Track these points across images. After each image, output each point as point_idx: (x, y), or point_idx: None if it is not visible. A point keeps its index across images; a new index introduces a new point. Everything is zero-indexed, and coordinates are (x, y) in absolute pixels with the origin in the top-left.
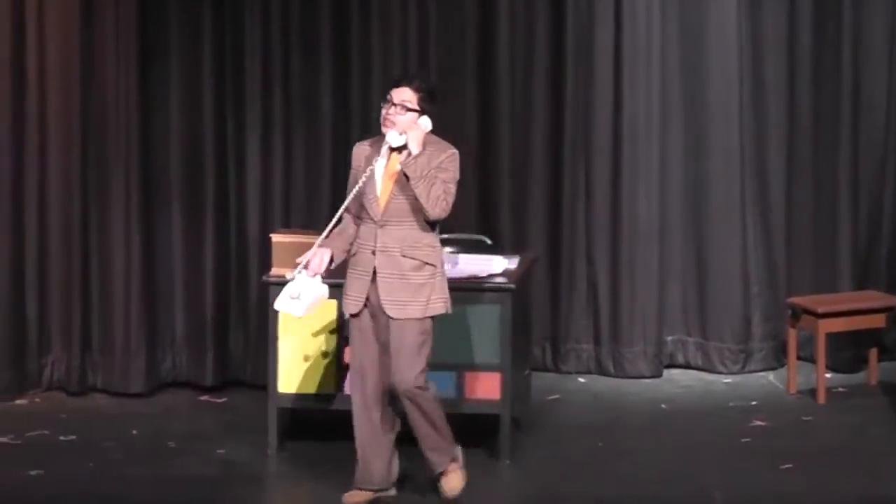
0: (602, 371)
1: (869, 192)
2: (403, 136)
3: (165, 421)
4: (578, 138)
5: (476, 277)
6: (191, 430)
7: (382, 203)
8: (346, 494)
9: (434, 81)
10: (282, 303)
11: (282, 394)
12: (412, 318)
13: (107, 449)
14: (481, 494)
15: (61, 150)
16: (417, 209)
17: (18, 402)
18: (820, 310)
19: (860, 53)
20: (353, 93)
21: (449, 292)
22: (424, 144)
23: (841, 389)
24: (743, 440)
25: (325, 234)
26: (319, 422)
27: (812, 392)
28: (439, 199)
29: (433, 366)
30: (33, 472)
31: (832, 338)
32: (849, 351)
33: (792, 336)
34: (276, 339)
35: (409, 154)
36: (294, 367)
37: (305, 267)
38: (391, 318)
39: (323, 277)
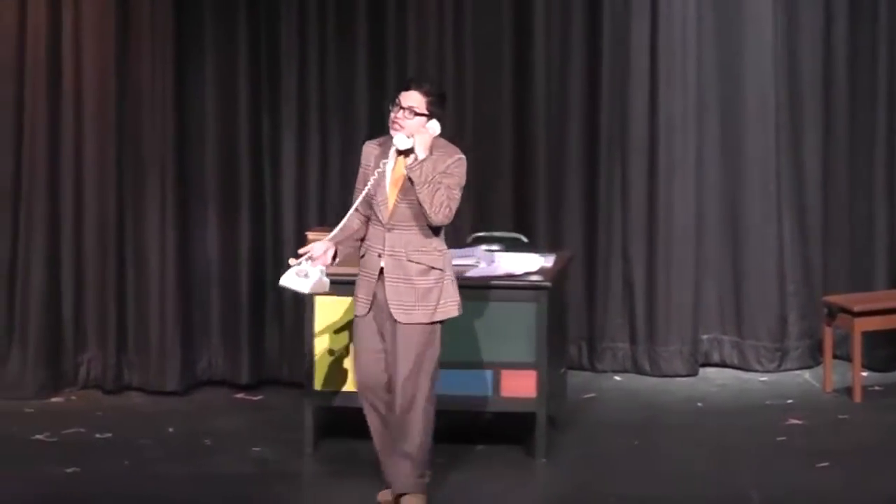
0: (638, 370)
1: None
2: (411, 140)
3: (201, 419)
4: (614, 137)
5: (512, 275)
6: (226, 429)
7: (390, 206)
8: (381, 493)
9: (443, 85)
10: (288, 279)
11: (318, 392)
12: (419, 322)
13: (142, 447)
14: (517, 493)
15: (97, 150)
16: (424, 213)
17: (54, 399)
18: (856, 308)
19: None
20: (389, 91)
21: (459, 293)
22: (432, 149)
23: (877, 388)
24: (779, 439)
25: (333, 232)
26: (355, 420)
27: (848, 390)
28: (442, 205)
29: (469, 364)
30: (69, 470)
31: (868, 336)
32: (884, 349)
33: (828, 334)
34: (312, 337)
35: (416, 158)
36: (330, 366)
37: (310, 258)
38: (398, 322)
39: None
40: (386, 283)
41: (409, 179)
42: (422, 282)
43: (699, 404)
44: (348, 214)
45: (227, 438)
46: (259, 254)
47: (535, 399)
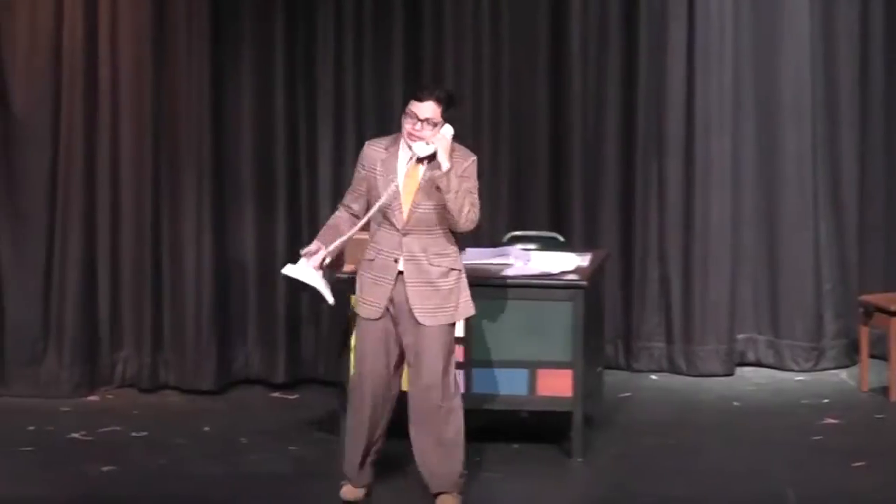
0: (674, 369)
1: None
2: (431, 147)
3: (237, 418)
4: (651, 136)
5: (548, 274)
6: (262, 428)
7: (405, 212)
8: (347, 489)
9: (451, 86)
10: (300, 270)
11: None
12: (444, 324)
13: (178, 445)
14: (552, 492)
15: (134, 148)
16: (442, 218)
17: (91, 398)
18: (892, 307)
19: None
20: None
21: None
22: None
23: None
24: (815, 438)
25: (349, 234)
26: (391, 420)
27: (884, 390)
28: (469, 211)
29: (505, 363)
30: (105, 469)
31: None
32: None
33: (864, 334)
34: (348, 336)
35: (437, 166)
36: None
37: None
38: (423, 325)
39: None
40: (408, 288)
41: (436, 187)
42: (444, 284)
43: (735, 404)
44: (362, 222)
45: (263, 437)
46: (295, 253)
47: (571, 398)
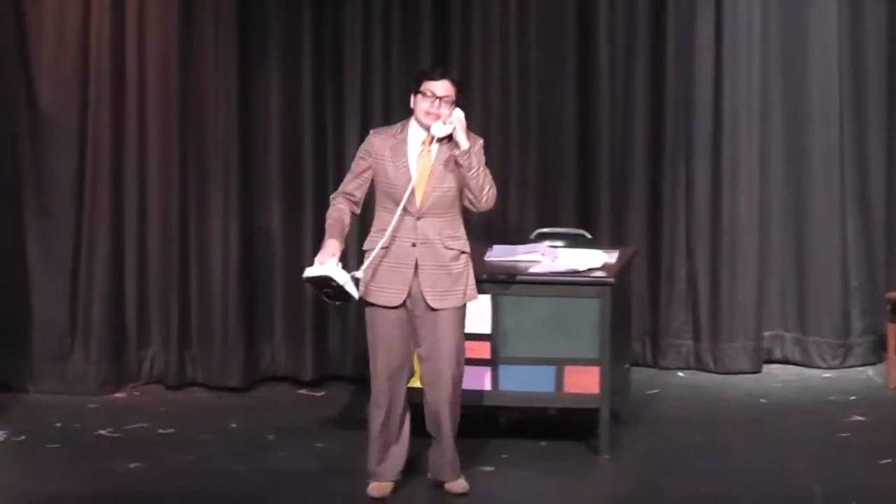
0: (702, 366)
1: None
2: (448, 127)
3: (264, 415)
4: (679, 133)
5: (576, 271)
6: (289, 424)
7: (419, 195)
8: (375, 485)
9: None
10: (322, 268)
11: None
12: (453, 307)
13: (205, 442)
14: (581, 488)
15: (161, 147)
16: (455, 200)
17: (117, 395)
18: None
19: None
20: None
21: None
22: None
23: None
24: (842, 435)
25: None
26: (418, 415)
27: None
28: (489, 190)
29: (533, 359)
30: (132, 465)
31: None
32: None
33: (891, 331)
34: None
35: (453, 147)
36: None
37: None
38: (433, 308)
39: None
40: (420, 272)
41: (456, 163)
42: (455, 267)
43: (762, 400)
44: (395, 217)
45: (290, 434)
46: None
47: (599, 395)
